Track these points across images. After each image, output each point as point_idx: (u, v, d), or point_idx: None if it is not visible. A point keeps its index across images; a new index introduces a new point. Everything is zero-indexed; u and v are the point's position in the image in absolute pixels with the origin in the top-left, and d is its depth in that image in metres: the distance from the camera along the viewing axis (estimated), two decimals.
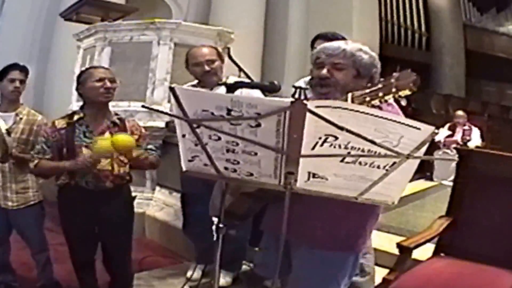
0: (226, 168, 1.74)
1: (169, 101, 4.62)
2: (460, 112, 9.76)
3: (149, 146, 3.18)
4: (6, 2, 9.00)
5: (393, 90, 1.81)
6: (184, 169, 1.79)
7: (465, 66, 15.16)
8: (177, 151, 4.17)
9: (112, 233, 3.16)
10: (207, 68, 3.58)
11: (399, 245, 2.96)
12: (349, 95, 1.91)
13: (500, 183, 3.14)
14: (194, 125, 1.60)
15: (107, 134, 3.00)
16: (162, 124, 4.67)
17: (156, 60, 5.23)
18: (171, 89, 1.55)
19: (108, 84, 3.00)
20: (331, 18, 9.59)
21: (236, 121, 1.53)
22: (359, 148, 1.54)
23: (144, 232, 5.17)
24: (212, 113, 1.54)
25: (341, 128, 1.45)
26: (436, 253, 3.20)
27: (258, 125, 1.52)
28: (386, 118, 1.46)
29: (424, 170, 8.97)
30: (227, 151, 1.66)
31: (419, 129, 1.47)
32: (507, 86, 14.96)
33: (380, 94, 1.84)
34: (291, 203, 1.69)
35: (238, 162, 1.69)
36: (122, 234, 3.21)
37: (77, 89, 3.12)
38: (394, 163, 1.57)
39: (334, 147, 1.54)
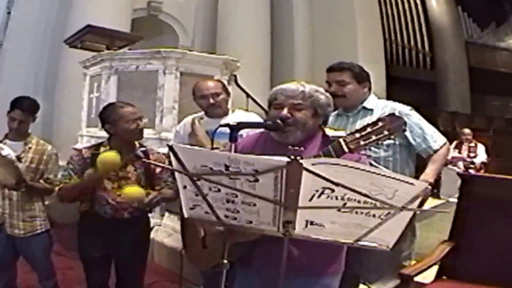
0: (226, 216, 1.78)
1: None
2: (466, 130, 9.86)
3: (170, 179, 3.17)
4: (9, 31, 9.10)
5: (386, 133, 1.94)
6: (185, 216, 1.84)
7: (469, 82, 15.24)
8: None
9: (126, 262, 3.20)
10: (212, 101, 3.64)
11: (400, 274, 2.97)
12: (342, 140, 2.00)
13: (503, 207, 3.15)
14: (195, 178, 1.65)
15: (129, 168, 3.09)
16: None
17: (163, 89, 5.26)
18: (169, 147, 1.61)
19: (141, 124, 3.10)
20: (336, 43, 9.70)
21: (235, 176, 1.58)
22: (355, 200, 1.58)
23: (152, 257, 5.15)
24: (211, 168, 1.60)
25: (337, 184, 1.49)
26: (438, 276, 3.22)
27: (256, 180, 1.58)
28: (380, 174, 1.52)
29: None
30: (227, 201, 1.71)
31: (413, 184, 1.53)
32: (510, 99, 15.01)
33: (373, 137, 1.96)
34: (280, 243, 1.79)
35: (238, 211, 1.74)
36: (136, 263, 3.27)
37: (104, 126, 3.16)
38: (389, 213, 1.62)
39: (331, 198, 1.59)
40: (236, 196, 1.67)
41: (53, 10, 9.05)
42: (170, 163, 1.70)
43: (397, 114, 2.89)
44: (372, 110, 3.08)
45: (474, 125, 11.17)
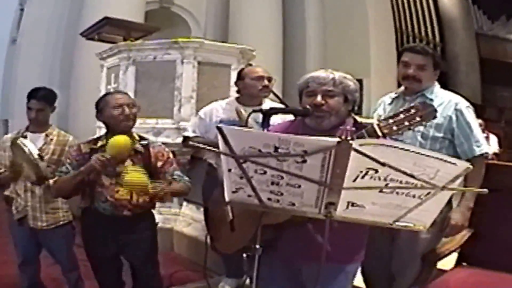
0: (269, 199, 1.81)
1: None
2: (478, 120, 9.84)
3: (176, 172, 3.10)
4: (22, 27, 9.19)
5: (418, 119, 2.03)
6: (227, 199, 1.86)
7: (480, 73, 15.18)
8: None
9: (135, 258, 3.17)
10: (266, 82, 3.77)
11: (423, 258, 3.02)
12: (375, 125, 2.08)
13: None
14: (241, 161, 1.68)
15: (127, 163, 3.00)
16: None
17: (181, 79, 5.28)
18: (219, 129, 1.63)
19: (127, 110, 2.98)
20: (348, 32, 9.71)
21: (283, 157, 1.61)
22: (397, 180, 1.62)
23: (172, 247, 5.23)
24: (260, 150, 1.63)
25: (383, 164, 1.53)
26: (458, 262, 3.25)
27: (304, 161, 1.61)
28: (425, 154, 1.56)
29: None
30: (272, 183, 1.74)
31: (455, 164, 1.57)
32: None
33: (406, 123, 2.05)
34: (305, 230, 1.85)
35: (282, 194, 1.77)
36: (146, 257, 3.20)
37: (97, 117, 3.11)
38: (429, 193, 1.65)
39: (374, 179, 1.62)
40: (282, 178, 1.70)
41: (66, 4, 9.11)
42: (216, 146, 1.72)
43: (453, 107, 2.93)
44: (432, 100, 2.96)
45: (485, 116, 11.15)
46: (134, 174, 2.87)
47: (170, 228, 5.23)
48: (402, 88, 3.19)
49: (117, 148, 2.86)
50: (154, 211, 3.28)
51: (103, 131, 3.19)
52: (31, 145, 3.29)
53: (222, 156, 1.73)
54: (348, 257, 2.33)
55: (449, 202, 2.92)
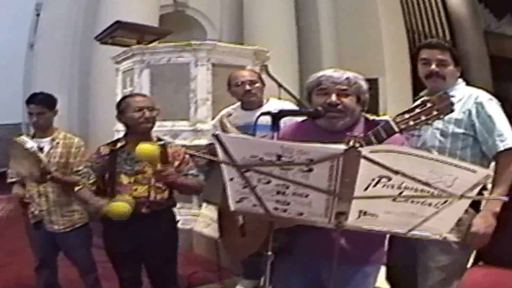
0: (276, 209, 1.72)
1: (213, 119, 4.64)
2: None
3: (191, 171, 3.15)
4: (39, 32, 9.26)
5: (435, 113, 1.93)
6: (232, 209, 1.78)
7: (490, 71, 15.01)
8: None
9: (154, 255, 3.18)
10: (247, 87, 3.68)
11: None
12: (391, 121, 1.98)
13: None
14: (243, 170, 1.59)
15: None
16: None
17: (196, 81, 5.27)
18: (216, 137, 1.55)
19: (147, 113, 3.05)
20: (361, 32, 9.68)
21: (287, 166, 1.52)
22: (412, 188, 1.52)
23: (191, 247, 5.25)
24: (261, 159, 1.54)
25: (396, 172, 1.43)
26: (475, 262, 3.18)
27: (310, 170, 1.51)
28: (443, 161, 1.45)
29: None
30: (277, 193, 1.65)
31: (474, 171, 1.46)
32: None
33: (423, 117, 1.94)
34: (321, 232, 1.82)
35: (289, 203, 1.68)
36: (165, 256, 3.23)
37: (118, 117, 3.17)
38: (446, 201, 1.55)
39: (387, 187, 1.53)
40: (287, 187, 1.61)
41: (81, 9, 9.12)
42: (212, 154, 1.65)
43: (473, 101, 2.74)
44: (453, 96, 2.79)
45: None
46: (147, 144, 2.89)
47: (190, 229, 5.24)
48: (425, 91, 2.97)
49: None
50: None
51: (121, 134, 3.26)
52: (30, 141, 3.32)
53: (222, 165, 1.64)
54: (364, 257, 2.27)
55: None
